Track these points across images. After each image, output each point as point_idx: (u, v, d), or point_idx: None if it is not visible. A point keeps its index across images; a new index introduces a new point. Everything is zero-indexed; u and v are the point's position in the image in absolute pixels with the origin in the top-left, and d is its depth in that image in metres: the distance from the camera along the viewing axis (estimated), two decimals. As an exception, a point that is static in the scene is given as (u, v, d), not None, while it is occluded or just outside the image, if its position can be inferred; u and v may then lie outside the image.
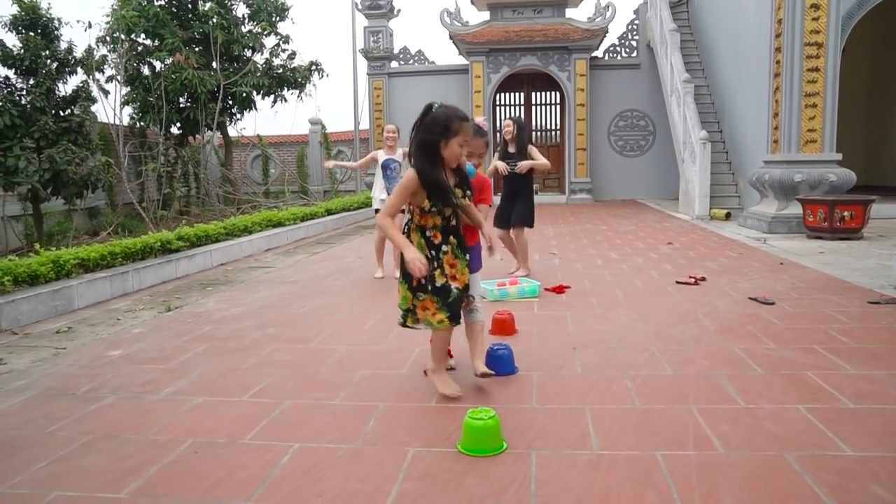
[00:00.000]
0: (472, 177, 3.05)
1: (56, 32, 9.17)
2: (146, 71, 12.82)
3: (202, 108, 12.71)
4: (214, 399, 2.97)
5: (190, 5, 13.29)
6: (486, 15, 16.30)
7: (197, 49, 13.02)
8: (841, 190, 8.30)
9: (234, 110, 14.11)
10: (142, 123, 12.74)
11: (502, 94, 16.81)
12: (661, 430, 2.49)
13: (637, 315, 4.38)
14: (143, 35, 12.53)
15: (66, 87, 9.42)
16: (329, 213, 11.48)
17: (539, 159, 5.61)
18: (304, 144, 18.64)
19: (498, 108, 16.73)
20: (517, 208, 5.73)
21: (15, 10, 8.91)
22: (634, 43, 16.29)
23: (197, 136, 13.80)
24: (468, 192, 2.90)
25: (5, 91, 8.76)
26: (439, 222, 2.81)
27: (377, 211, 6.21)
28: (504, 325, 3.93)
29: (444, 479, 2.15)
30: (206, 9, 12.99)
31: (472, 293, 3.00)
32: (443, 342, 2.91)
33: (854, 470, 2.13)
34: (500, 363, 3.15)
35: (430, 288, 2.79)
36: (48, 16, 9.07)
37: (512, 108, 17.02)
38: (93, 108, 9.70)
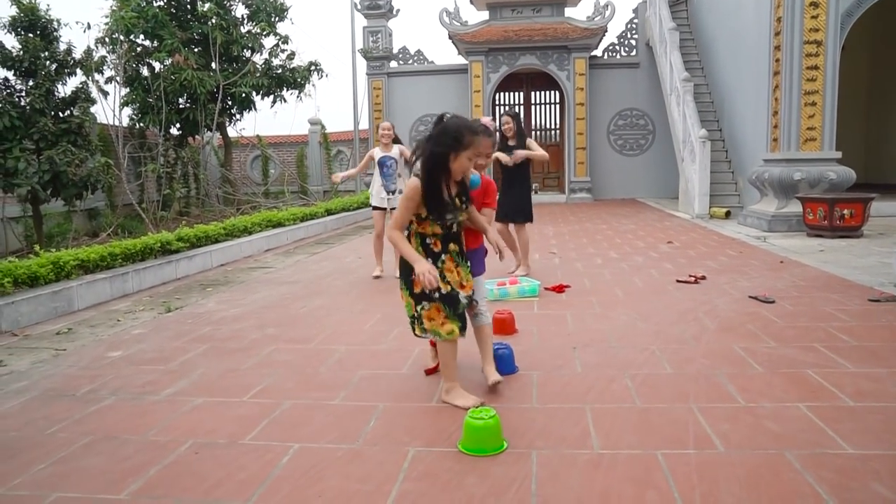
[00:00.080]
0: (476, 185, 2.99)
1: (55, 34, 9.17)
2: (145, 72, 12.82)
3: (201, 108, 12.70)
4: (214, 400, 2.97)
5: (189, 6, 13.29)
6: (485, 14, 16.30)
7: (196, 50, 13.02)
8: (841, 188, 8.30)
9: (233, 111, 14.11)
10: (141, 124, 12.74)
11: (502, 94, 16.80)
12: (662, 429, 2.49)
13: (637, 314, 4.37)
14: (142, 36, 12.53)
15: (66, 89, 9.43)
16: (329, 213, 11.48)
17: (537, 151, 5.64)
18: (303, 145, 18.64)
19: (497, 107, 16.72)
20: (516, 202, 5.72)
21: (14, 11, 8.91)
22: (634, 42, 16.29)
23: (196, 136, 13.80)
24: (466, 201, 2.85)
25: (5, 93, 8.76)
26: (439, 230, 2.78)
27: (374, 208, 6.23)
28: (504, 325, 3.93)
29: (445, 479, 2.15)
30: (205, 9, 12.99)
31: (475, 297, 2.97)
32: (450, 355, 2.81)
33: (854, 468, 2.13)
34: (501, 363, 3.14)
35: (436, 296, 2.74)
36: (47, 17, 9.07)
37: (511, 108, 17.01)
38: (92, 110, 9.70)
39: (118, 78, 11.72)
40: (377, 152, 6.13)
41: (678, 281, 5.45)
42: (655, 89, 15.21)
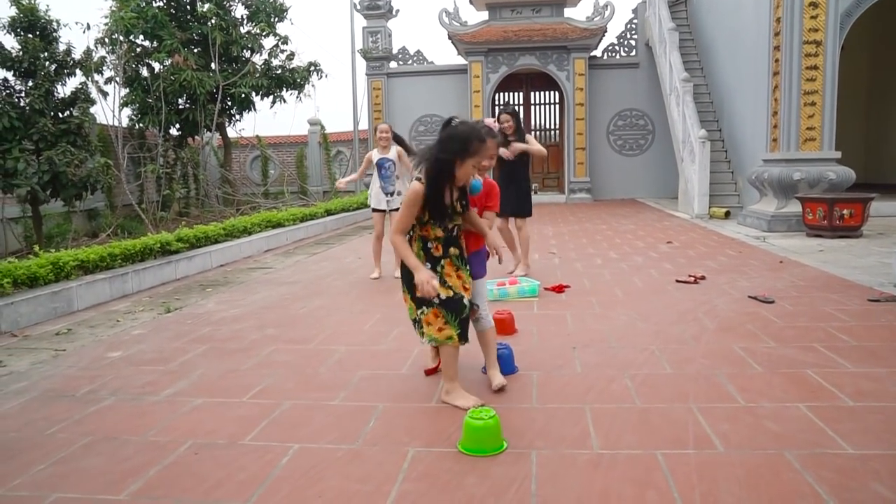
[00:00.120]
0: (477, 191, 2.97)
1: (54, 34, 9.17)
2: (145, 72, 12.81)
3: (201, 109, 12.70)
4: (214, 400, 2.97)
5: (188, 6, 13.28)
6: (484, 15, 16.30)
7: (196, 50, 13.02)
8: (840, 188, 8.30)
9: (233, 111, 14.10)
10: (141, 125, 12.73)
11: (501, 94, 16.80)
12: (661, 429, 2.49)
13: (637, 314, 4.37)
14: (141, 36, 12.53)
15: (65, 89, 9.42)
16: (328, 213, 11.48)
17: (535, 145, 5.65)
18: (303, 145, 18.64)
19: (497, 107, 16.73)
20: (515, 197, 5.71)
21: (13, 11, 8.91)
22: (633, 42, 16.29)
23: (196, 137, 13.80)
24: (464, 204, 2.84)
25: (4, 93, 8.76)
26: (441, 234, 2.77)
27: (374, 209, 6.22)
28: (504, 325, 3.93)
29: (445, 479, 2.15)
30: (204, 10, 12.98)
31: (476, 301, 2.97)
32: (452, 357, 2.80)
33: (854, 468, 2.13)
34: (501, 363, 3.14)
35: (436, 301, 2.73)
36: (46, 17, 9.07)
37: (508, 106, 16.99)
38: (92, 110, 9.69)
39: (118, 78, 11.72)
40: (375, 154, 6.12)
41: (678, 281, 5.45)
42: (655, 89, 15.21)
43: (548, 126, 17.11)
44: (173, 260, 6.54)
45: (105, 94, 11.33)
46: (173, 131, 13.30)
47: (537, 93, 16.97)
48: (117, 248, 6.01)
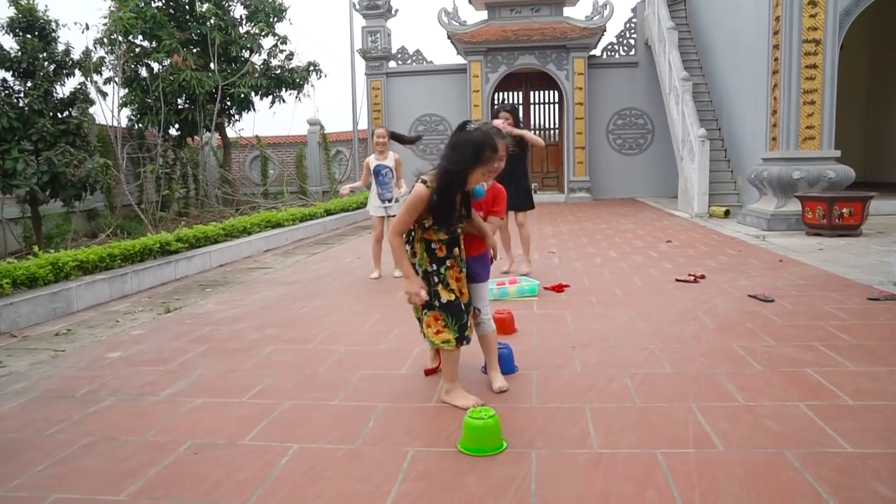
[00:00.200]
0: (480, 196, 2.94)
1: (53, 34, 9.18)
2: (144, 72, 12.81)
3: (200, 109, 12.70)
4: (214, 400, 2.97)
5: (187, 7, 13.28)
6: (483, 14, 16.30)
7: (195, 50, 13.02)
8: (839, 187, 8.30)
9: (232, 111, 14.10)
10: (140, 125, 12.73)
11: (500, 94, 16.80)
12: (661, 428, 2.49)
13: (636, 313, 4.37)
14: (140, 37, 12.52)
15: (64, 89, 9.43)
16: (328, 213, 11.48)
17: (531, 135, 5.72)
18: (302, 145, 18.63)
19: (494, 106, 16.71)
20: (515, 192, 5.70)
21: (12, 12, 8.91)
22: (632, 41, 16.28)
23: (195, 137, 13.79)
24: (468, 209, 2.82)
25: (3, 94, 8.76)
26: (444, 236, 2.76)
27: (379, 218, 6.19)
28: (503, 325, 3.92)
29: (444, 479, 2.15)
30: (203, 10, 12.98)
31: (478, 305, 2.96)
32: (453, 359, 2.80)
33: (854, 467, 2.13)
34: (500, 362, 3.14)
35: (436, 304, 2.73)
36: (45, 18, 9.07)
37: (504, 104, 16.98)
38: (91, 110, 9.71)
39: (117, 79, 11.72)
40: (372, 160, 6.09)
41: (677, 280, 5.45)
42: (654, 89, 15.21)
43: (547, 125, 17.11)
44: (173, 260, 6.54)
45: (104, 95, 11.35)
46: (172, 131, 13.31)
47: (537, 92, 16.96)
48: (117, 249, 6.01)
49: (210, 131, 13.58)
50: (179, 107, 13.04)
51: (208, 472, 2.25)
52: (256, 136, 16.65)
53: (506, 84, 16.30)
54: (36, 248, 5.72)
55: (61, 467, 2.33)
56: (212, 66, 13.13)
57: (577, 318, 4.31)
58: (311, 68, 14.26)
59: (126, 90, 12.38)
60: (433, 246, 2.77)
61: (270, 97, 14.05)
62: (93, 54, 11.16)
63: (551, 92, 16.77)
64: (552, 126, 17.06)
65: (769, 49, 8.96)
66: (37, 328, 4.59)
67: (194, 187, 13.86)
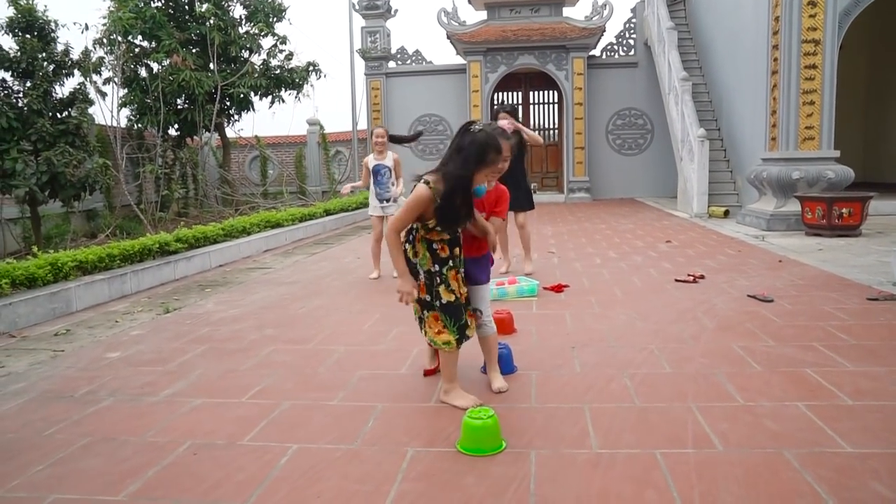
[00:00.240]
0: (481, 195, 2.92)
1: (52, 35, 9.17)
2: (143, 73, 12.81)
3: (200, 109, 12.70)
4: (213, 400, 2.97)
5: (187, 7, 13.28)
6: (483, 14, 16.30)
7: (194, 50, 13.01)
8: (839, 187, 8.31)
9: (231, 111, 14.10)
10: (139, 125, 12.73)
11: (500, 94, 16.80)
12: (660, 428, 2.49)
13: (636, 313, 4.37)
14: (140, 37, 12.52)
15: (64, 90, 9.42)
16: (327, 213, 11.47)
17: (530, 133, 5.73)
18: (302, 145, 18.63)
19: (494, 106, 16.71)
20: (516, 192, 5.70)
21: (11, 12, 8.91)
22: (632, 41, 16.28)
23: (195, 137, 13.79)
24: (470, 209, 2.79)
25: (2, 94, 8.75)
26: (447, 236, 2.75)
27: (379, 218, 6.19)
28: (503, 325, 3.92)
29: (444, 479, 2.15)
30: (203, 10, 12.98)
31: (480, 307, 2.95)
32: (452, 358, 2.80)
33: (853, 467, 2.13)
34: (500, 363, 3.14)
35: (437, 305, 2.73)
36: (44, 18, 9.07)
37: (503, 105, 16.98)
38: (90, 110, 9.70)
39: (116, 79, 11.72)
40: (371, 160, 6.09)
41: (677, 280, 5.45)
42: (654, 89, 15.21)
43: (547, 125, 17.11)
44: (172, 260, 6.54)
45: (103, 95, 11.35)
46: (172, 131, 13.31)
47: (536, 92, 16.96)
48: (116, 249, 6.00)
49: (209, 131, 13.57)
50: (179, 107, 13.04)
51: (207, 473, 2.25)
52: (256, 137, 16.65)
53: (505, 84, 16.30)
54: (35, 249, 5.72)
55: (60, 468, 2.33)
56: (211, 66, 13.13)
57: (576, 318, 4.31)
58: (311, 68, 14.26)
59: (125, 90, 12.38)
60: (435, 246, 2.76)
61: (270, 97, 14.05)
62: (92, 54, 11.17)
63: (551, 92, 16.77)
64: (552, 126, 17.06)
65: (769, 49, 8.97)
66: (36, 328, 4.59)
67: (194, 187, 13.86)
